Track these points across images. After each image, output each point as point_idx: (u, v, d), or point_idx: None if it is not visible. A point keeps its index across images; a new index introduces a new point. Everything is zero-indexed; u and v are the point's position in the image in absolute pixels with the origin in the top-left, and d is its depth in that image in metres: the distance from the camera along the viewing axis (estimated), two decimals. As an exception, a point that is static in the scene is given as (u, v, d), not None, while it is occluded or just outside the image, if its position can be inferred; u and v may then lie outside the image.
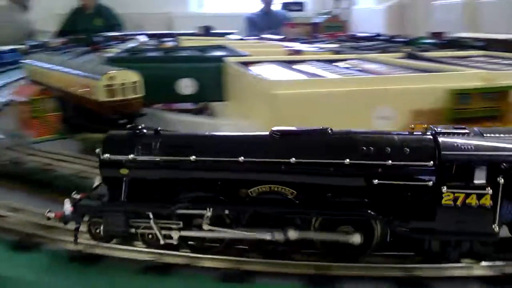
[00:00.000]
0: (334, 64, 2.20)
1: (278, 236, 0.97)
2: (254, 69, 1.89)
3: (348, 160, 0.90)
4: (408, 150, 0.91)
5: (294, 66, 2.06)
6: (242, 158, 0.93)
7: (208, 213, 0.99)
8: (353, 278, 0.96)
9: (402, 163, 0.90)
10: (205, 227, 1.00)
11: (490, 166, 0.90)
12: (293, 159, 0.91)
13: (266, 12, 7.57)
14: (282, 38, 5.19)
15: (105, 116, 1.58)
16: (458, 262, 0.99)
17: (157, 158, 0.98)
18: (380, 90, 1.55)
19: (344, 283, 0.96)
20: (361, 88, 1.54)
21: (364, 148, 0.92)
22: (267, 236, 0.97)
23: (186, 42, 3.87)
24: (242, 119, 1.71)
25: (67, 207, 1.08)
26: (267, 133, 0.99)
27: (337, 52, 3.12)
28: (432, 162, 0.90)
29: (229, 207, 0.99)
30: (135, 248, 1.05)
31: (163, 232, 1.02)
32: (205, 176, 0.98)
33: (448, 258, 0.98)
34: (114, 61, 2.15)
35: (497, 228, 0.93)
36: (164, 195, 1.03)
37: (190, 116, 1.62)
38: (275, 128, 1.01)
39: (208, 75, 2.15)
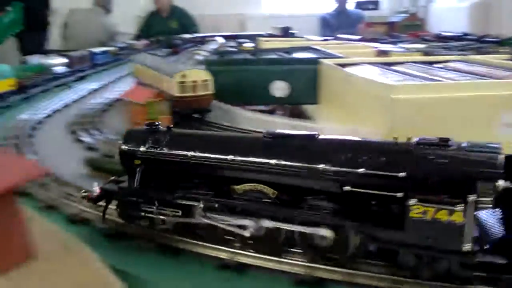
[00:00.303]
0: (435, 66, 2.07)
1: (251, 223, 1.00)
2: (354, 71, 1.81)
3: (322, 165, 0.90)
4: (384, 159, 0.88)
5: (392, 68, 1.96)
6: (231, 156, 0.97)
7: (201, 204, 1.05)
8: (340, 282, 0.93)
9: (373, 172, 0.87)
10: (197, 216, 1.05)
11: (463, 181, 0.82)
12: (273, 161, 0.93)
13: (340, 12, 7.42)
14: (360, 38, 5.04)
15: (180, 110, 1.65)
16: (431, 281, 0.89)
17: (164, 152, 1.06)
18: (506, 95, 1.42)
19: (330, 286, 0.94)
20: (486, 93, 1.42)
21: (343, 155, 0.91)
22: (245, 222, 1.00)
23: (266, 43, 3.84)
24: (345, 123, 1.64)
25: (95, 189, 1.16)
26: (261, 135, 1.03)
27: (426, 53, 2.96)
28: (404, 173, 0.85)
29: (217, 201, 1.04)
30: (212, 246, 1.05)
31: (162, 217, 1.09)
32: (200, 171, 1.04)
33: (420, 275, 0.89)
34: (207, 64, 2.15)
35: (469, 247, 0.82)
36: (170, 185, 1.10)
37: (286, 119, 1.57)
38: (267, 130, 1.04)
39: (301, 77, 2.10)
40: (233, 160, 0.98)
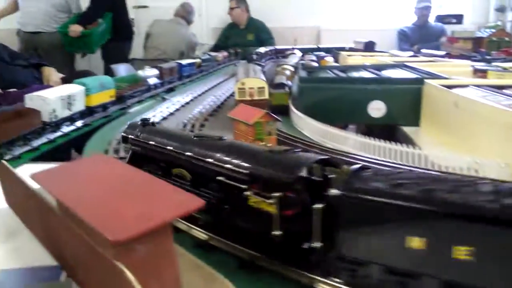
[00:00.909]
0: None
1: None
2: (466, 94, 1.69)
3: (209, 159, 1.04)
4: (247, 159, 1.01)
5: (504, 92, 1.81)
6: (171, 148, 1.14)
7: None
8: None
9: (234, 168, 1.00)
10: None
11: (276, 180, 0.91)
12: (188, 153, 1.09)
13: (421, 26, 7.17)
14: (445, 54, 4.81)
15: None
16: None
17: (139, 139, 1.24)
18: None
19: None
20: None
21: (225, 154, 1.03)
22: None
23: (350, 58, 3.76)
24: (453, 149, 1.53)
25: None
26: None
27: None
28: (248, 171, 0.95)
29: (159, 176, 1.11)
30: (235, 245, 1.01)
31: None
32: (158, 155, 1.20)
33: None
34: (301, 81, 2.11)
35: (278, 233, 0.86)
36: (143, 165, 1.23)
37: (386, 143, 1.48)
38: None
39: (401, 97, 2.01)
40: (172, 150, 1.15)
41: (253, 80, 1.84)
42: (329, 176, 0.85)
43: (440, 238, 0.66)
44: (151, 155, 1.25)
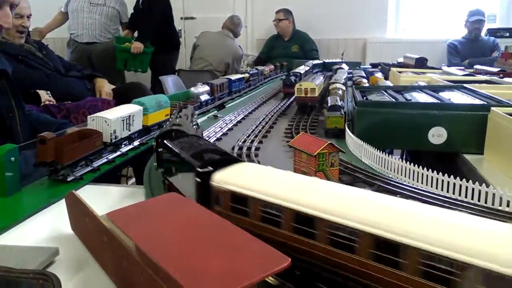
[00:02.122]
0: None
1: None
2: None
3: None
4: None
5: None
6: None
7: None
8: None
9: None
10: None
11: None
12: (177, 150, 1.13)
13: (472, 39, 6.94)
14: (500, 71, 4.62)
15: (298, 104, 2.62)
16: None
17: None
18: None
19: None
20: None
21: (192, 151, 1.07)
22: None
23: (401, 76, 3.66)
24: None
25: None
26: None
27: None
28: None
29: None
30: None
31: None
32: None
33: None
34: (358, 105, 2.06)
35: None
36: None
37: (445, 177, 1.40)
38: None
39: (464, 124, 1.92)
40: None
41: (307, 83, 2.59)
42: None
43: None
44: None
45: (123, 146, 1.80)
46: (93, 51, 5.84)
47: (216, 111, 2.72)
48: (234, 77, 3.37)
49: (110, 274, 0.92)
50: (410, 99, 2.31)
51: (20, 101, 2.34)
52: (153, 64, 6.03)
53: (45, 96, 3.25)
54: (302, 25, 7.37)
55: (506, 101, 2.01)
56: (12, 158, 1.34)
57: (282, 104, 2.94)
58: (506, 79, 3.45)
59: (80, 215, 1.05)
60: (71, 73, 3.84)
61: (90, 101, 3.40)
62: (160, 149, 1.32)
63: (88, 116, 1.67)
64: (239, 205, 0.84)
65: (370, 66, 5.30)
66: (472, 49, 6.81)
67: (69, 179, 1.48)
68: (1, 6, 2.07)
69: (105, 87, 3.86)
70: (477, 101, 2.16)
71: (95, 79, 3.96)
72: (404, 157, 3.32)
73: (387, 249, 0.62)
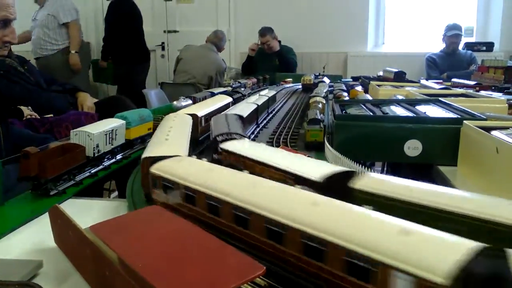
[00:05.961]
0: None
1: None
2: (505, 139, 1.68)
3: None
4: None
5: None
6: None
7: None
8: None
9: None
10: None
11: None
12: None
13: (450, 53, 7.12)
14: (476, 84, 4.77)
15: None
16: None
17: None
18: None
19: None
20: None
21: None
22: None
23: (380, 90, 3.75)
24: (490, 192, 1.51)
25: None
26: None
27: None
28: None
29: None
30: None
31: None
32: None
33: None
34: (337, 118, 2.12)
35: None
36: None
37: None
38: None
39: (438, 137, 1.99)
40: None
41: (308, 77, 3.94)
42: None
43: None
44: None
45: (106, 160, 1.82)
46: (42, 65, 5.97)
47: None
48: (216, 90, 3.42)
49: (93, 286, 0.94)
50: (387, 113, 2.39)
51: (3, 116, 2.35)
52: (119, 76, 6.36)
53: (27, 111, 3.25)
54: (284, 40, 7.48)
55: (479, 114, 2.09)
56: (-5, 173, 1.36)
57: (263, 117, 2.99)
58: (482, 92, 3.57)
59: (64, 228, 1.08)
60: (53, 87, 3.84)
61: (73, 114, 3.41)
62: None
63: (71, 131, 1.69)
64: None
65: (351, 79, 5.39)
66: (450, 63, 6.99)
67: (52, 193, 1.49)
68: (9, 23, 2.13)
69: (87, 101, 3.87)
70: (451, 115, 2.24)
71: (78, 93, 3.97)
72: (385, 169, 3.40)
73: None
